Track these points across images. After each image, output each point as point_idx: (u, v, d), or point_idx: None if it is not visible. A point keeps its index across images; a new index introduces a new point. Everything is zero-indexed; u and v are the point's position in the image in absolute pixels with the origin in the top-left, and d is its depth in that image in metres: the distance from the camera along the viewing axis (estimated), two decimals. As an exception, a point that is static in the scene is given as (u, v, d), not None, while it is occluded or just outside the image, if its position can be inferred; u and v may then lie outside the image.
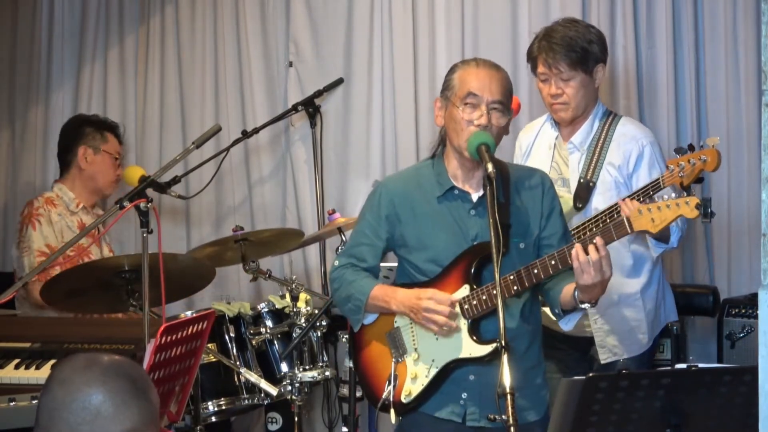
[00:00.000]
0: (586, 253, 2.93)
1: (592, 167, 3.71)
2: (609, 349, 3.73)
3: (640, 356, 3.76)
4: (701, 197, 2.98)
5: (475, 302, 3.07)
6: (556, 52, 3.65)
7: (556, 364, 3.73)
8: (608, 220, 3.52)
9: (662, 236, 3.56)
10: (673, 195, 3.02)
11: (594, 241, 2.95)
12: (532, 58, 3.76)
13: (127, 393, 1.95)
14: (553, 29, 3.71)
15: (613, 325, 3.71)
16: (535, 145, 3.87)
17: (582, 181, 3.71)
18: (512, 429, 2.65)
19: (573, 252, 2.95)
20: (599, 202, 3.67)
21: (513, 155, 3.99)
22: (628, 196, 3.44)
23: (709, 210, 2.97)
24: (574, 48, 3.65)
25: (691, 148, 3.43)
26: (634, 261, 3.71)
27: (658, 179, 3.47)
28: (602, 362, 3.74)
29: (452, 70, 3.17)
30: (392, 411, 3.17)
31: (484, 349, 3.04)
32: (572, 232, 3.54)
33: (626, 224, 3.02)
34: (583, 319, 3.74)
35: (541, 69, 3.72)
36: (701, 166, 3.35)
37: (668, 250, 3.69)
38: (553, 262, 3.02)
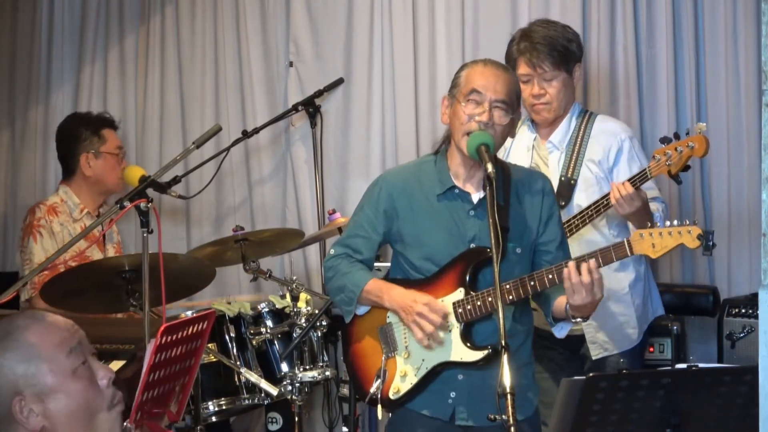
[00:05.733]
0: (579, 273, 2.94)
1: (572, 165, 3.74)
2: (600, 345, 3.74)
3: (630, 351, 3.77)
4: (704, 230, 3.00)
5: (469, 307, 3.07)
6: (540, 52, 3.66)
7: (546, 364, 3.73)
8: (594, 214, 3.58)
9: None
10: (676, 222, 3.03)
11: (588, 261, 2.96)
12: (512, 60, 3.74)
13: None
14: (532, 30, 3.74)
15: (602, 320, 3.70)
16: (513, 148, 3.86)
17: (563, 179, 3.73)
18: (512, 429, 2.64)
19: (565, 272, 2.95)
20: (581, 198, 3.69)
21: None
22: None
23: (711, 243, 2.98)
24: (556, 47, 3.68)
25: (677, 136, 3.46)
26: None
27: (645, 170, 3.49)
28: (593, 358, 3.74)
29: (461, 69, 3.18)
30: (380, 406, 3.17)
31: (476, 355, 3.05)
32: None
33: (626, 247, 3.03)
34: None
35: (523, 70, 3.71)
36: (689, 152, 3.38)
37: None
38: (550, 276, 3.02)
